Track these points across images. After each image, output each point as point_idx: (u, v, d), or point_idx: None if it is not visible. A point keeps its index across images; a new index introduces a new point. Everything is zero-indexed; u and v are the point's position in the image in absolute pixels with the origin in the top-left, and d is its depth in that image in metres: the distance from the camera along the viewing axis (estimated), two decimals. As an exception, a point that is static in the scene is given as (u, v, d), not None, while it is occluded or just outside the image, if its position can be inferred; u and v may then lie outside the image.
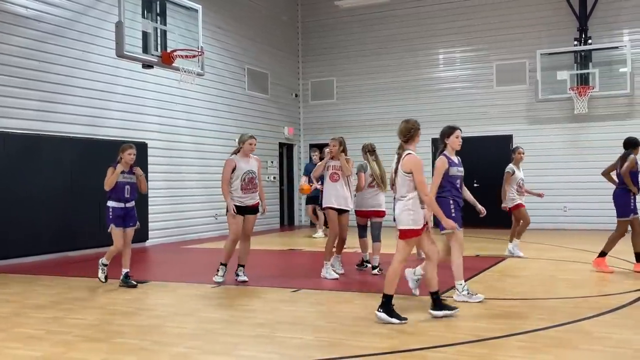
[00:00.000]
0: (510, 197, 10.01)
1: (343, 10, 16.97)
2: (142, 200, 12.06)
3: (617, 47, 14.71)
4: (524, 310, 6.00)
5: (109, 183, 7.49)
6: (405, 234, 5.51)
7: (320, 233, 13.54)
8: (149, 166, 12.30)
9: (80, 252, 10.80)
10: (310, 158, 14.17)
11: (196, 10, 11.21)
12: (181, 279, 8.20)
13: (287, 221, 17.71)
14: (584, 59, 14.87)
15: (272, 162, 16.65)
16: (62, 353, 4.72)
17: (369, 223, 8.49)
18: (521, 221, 10.05)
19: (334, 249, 8.23)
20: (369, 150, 8.43)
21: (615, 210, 8.30)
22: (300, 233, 15.48)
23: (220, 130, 14.53)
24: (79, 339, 5.13)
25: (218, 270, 7.75)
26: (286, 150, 17.78)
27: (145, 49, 10.39)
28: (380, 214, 8.41)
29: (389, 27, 17.03)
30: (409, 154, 5.60)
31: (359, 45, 17.37)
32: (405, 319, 5.47)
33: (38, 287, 7.69)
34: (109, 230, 7.57)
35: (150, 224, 12.32)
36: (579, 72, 14.81)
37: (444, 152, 6.42)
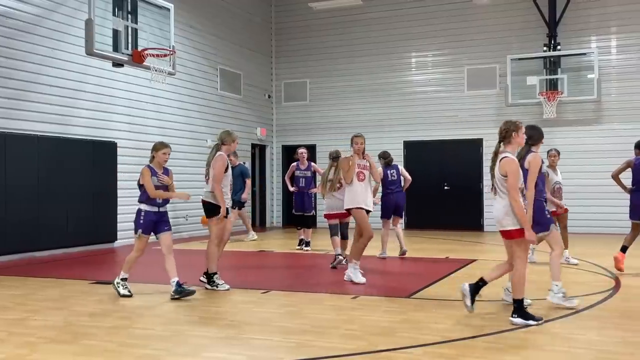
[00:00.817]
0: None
1: (317, 12, 17.00)
2: (111, 200, 11.98)
3: (585, 54, 14.98)
4: (491, 312, 6.06)
5: (155, 195, 6.77)
6: (510, 235, 5.51)
7: (252, 235, 13.39)
8: (118, 166, 12.17)
9: (46, 253, 10.61)
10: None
11: (168, 9, 11.12)
12: (150, 280, 8.10)
13: (259, 222, 17.64)
14: (553, 65, 15.12)
15: (244, 163, 16.53)
16: (26, 355, 4.63)
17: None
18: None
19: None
20: (333, 157, 9.11)
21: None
22: (272, 234, 15.44)
23: (191, 131, 14.42)
24: (43, 340, 5.04)
25: (214, 282, 7.17)
26: (259, 152, 17.72)
27: (116, 47, 10.26)
28: (346, 215, 8.84)
29: (362, 30, 17.10)
30: (506, 156, 5.59)
31: (332, 48, 17.40)
32: (541, 318, 5.45)
33: (2, 288, 7.53)
34: (135, 235, 6.91)
35: (119, 225, 12.15)
36: (548, 77, 15.04)
37: (532, 150, 6.14)
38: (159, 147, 7.03)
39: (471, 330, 5.23)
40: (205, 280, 7.33)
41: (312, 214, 11.46)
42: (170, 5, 11.14)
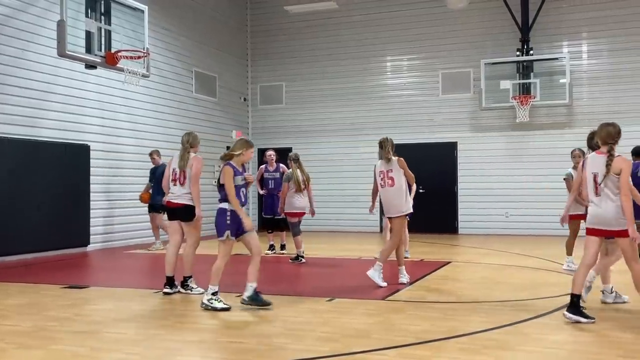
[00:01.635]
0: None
1: (293, 15, 16.99)
2: (83, 204, 11.80)
3: (557, 58, 15.21)
4: (465, 313, 6.10)
5: (235, 203, 6.21)
6: (626, 233, 5.53)
7: (158, 244, 12.04)
8: (91, 169, 12.01)
9: (17, 257, 10.41)
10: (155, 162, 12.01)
11: (142, 11, 11.02)
12: (123, 285, 8.01)
13: (234, 226, 17.54)
14: (525, 69, 15.31)
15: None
16: (-7, 361, 4.54)
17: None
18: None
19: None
20: (294, 159, 10.14)
21: None
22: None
23: (165, 133, 14.29)
24: (13, 346, 4.94)
25: (188, 285, 7.13)
26: (234, 155, 17.61)
27: (89, 49, 10.13)
28: (304, 214, 10.28)
29: (338, 34, 17.14)
30: (619, 155, 5.62)
31: (308, 51, 17.41)
32: (593, 318, 5.59)
33: (-30, 293, 7.37)
34: (223, 239, 6.28)
35: (92, 229, 11.99)
36: (521, 81, 15.22)
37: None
38: (247, 145, 6.46)
39: (445, 332, 5.26)
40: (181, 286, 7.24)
41: (283, 216, 11.32)
42: (144, 7, 11.04)
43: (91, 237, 12.02)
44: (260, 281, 8.42)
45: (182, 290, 7.17)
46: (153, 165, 12.04)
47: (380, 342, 4.97)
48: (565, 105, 14.98)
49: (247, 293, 6.26)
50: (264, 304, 6.25)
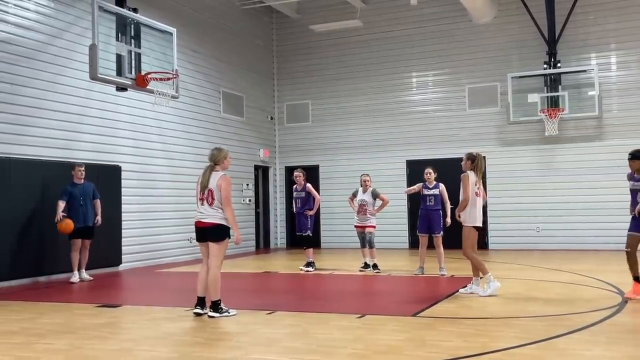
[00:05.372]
0: None
1: (318, 34, 17.15)
2: (115, 223, 11.98)
3: (585, 71, 15.05)
4: (498, 329, 6.03)
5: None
6: None
7: (85, 275, 10.58)
8: (122, 189, 12.21)
9: (51, 277, 10.60)
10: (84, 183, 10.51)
11: (171, 34, 11.23)
12: (155, 303, 8.09)
13: (262, 244, 17.64)
14: (553, 82, 15.18)
15: (247, 184, 16.62)
16: (32, 379, 4.62)
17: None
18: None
19: None
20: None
21: None
22: (276, 256, 15.41)
23: (194, 153, 14.46)
24: (49, 364, 5.03)
25: (222, 309, 6.89)
26: (262, 173, 17.77)
27: (120, 72, 10.34)
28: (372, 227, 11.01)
29: (363, 51, 17.24)
30: None
31: (333, 69, 17.53)
32: None
33: (7, 312, 7.51)
34: None
35: (123, 248, 12.17)
36: (549, 94, 15.09)
37: None
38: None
39: (478, 348, 5.21)
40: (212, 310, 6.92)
41: (308, 234, 11.39)
42: (173, 30, 11.25)
43: (123, 256, 12.19)
44: (291, 298, 8.48)
45: (215, 314, 6.82)
46: (79, 182, 10.48)
47: (411, 358, 4.94)
48: (594, 117, 14.79)
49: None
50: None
